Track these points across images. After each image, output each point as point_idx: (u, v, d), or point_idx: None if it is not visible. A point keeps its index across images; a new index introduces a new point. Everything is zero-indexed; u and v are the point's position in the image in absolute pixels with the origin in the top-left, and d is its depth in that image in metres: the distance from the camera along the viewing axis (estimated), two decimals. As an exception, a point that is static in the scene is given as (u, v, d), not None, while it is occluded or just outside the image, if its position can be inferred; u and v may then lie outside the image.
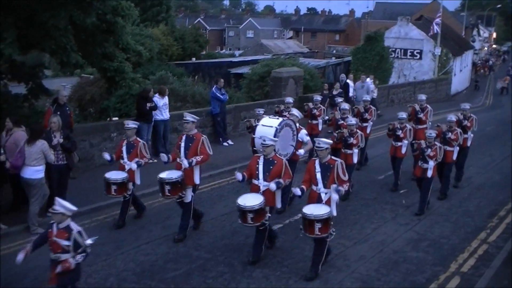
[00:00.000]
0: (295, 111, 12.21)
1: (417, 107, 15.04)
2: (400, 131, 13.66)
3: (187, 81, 24.87)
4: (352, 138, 12.84)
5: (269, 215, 9.20)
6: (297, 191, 8.93)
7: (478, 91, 45.31)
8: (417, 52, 39.47)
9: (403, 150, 13.74)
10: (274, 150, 9.50)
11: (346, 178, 8.91)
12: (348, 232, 10.97)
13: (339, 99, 16.82)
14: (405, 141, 13.70)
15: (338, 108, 15.04)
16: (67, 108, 13.14)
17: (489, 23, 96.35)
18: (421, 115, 14.91)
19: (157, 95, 15.65)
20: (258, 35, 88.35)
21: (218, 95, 17.60)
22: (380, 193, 13.71)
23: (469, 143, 14.35)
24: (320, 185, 8.94)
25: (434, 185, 12.51)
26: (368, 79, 26.37)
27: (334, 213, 8.74)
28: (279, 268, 9.16)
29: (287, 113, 14.95)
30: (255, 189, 9.21)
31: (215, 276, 8.78)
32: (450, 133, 13.08)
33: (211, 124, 18.08)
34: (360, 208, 12.52)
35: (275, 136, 10.46)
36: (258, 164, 9.26)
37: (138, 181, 10.91)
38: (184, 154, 9.99)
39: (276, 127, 10.79)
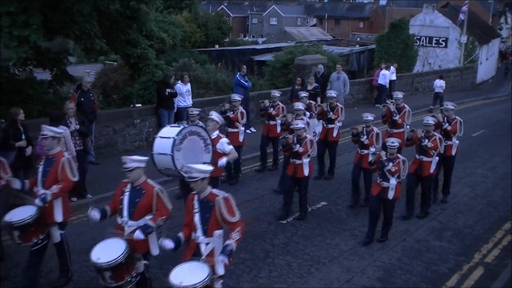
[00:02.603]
0: (214, 115, 9.84)
1: (393, 108, 12.91)
2: (365, 137, 11.29)
3: (210, 68, 24.86)
4: (299, 146, 10.41)
5: (146, 262, 6.76)
6: (168, 244, 6.33)
7: (507, 78, 44.57)
8: (442, 40, 38.85)
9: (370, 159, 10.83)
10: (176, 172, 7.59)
11: (235, 218, 6.27)
12: (371, 221, 10.93)
13: (303, 94, 13.87)
14: (372, 149, 11.12)
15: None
16: (91, 94, 13.27)
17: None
18: (396, 117, 12.78)
19: (179, 82, 15.79)
20: (281, 22, 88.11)
21: (242, 81, 17.57)
22: (403, 182, 13.38)
23: (453, 152, 11.81)
24: (199, 231, 6.32)
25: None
26: (392, 67, 26.17)
27: (220, 272, 6.16)
28: (301, 256, 9.18)
29: (272, 109, 13.54)
30: (119, 230, 6.60)
31: (237, 263, 8.75)
32: (426, 140, 10.69)
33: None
34: (382, 196, 12.42)
35: (172, 149, 8.34)
36: (123, 194, 6.63)
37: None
38: (41, 182, 7.34)
39: (173, 138, 8.43)
